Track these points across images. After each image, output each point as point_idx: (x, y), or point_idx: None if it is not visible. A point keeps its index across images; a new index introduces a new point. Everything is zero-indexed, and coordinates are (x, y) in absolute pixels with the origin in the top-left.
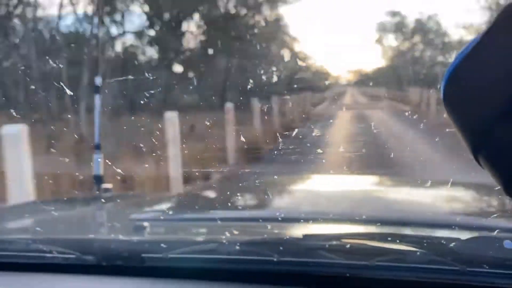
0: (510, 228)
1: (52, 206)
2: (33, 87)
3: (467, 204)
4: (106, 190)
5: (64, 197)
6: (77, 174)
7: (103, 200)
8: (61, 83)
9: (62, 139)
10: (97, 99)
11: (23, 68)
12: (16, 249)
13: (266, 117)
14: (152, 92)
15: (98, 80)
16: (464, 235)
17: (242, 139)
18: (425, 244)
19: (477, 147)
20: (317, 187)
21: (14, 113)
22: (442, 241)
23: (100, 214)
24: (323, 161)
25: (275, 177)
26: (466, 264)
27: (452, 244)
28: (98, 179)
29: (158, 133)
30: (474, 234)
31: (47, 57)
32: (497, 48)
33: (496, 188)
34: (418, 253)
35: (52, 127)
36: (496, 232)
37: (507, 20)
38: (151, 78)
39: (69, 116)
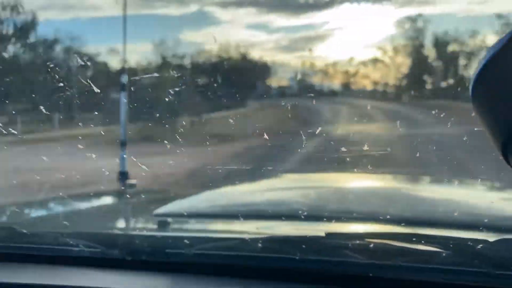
0: None
1: (79, 201)
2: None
3: (495, 204)
4: (131, 185)
5: (90, 192)
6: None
7: (128, 195)
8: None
9: None
10: (123, 97)
11: None
12: (44, 242)
13: None
14: None
15: (124, 78)
16: (492, 237)
17: None
18: (451, 246)
19: (506, 147)
20: (340, 185)
21: None
22: (469, 243)
23: (125, 209)
24: None
25: (298, 174)
26: (494, 266)
27: (479, 246)
28: (124, 175)
29: None
30: (503, 236)
31: None
32: None
33: None
34: (443, 254)
35: None
36: None
37: None
38: None
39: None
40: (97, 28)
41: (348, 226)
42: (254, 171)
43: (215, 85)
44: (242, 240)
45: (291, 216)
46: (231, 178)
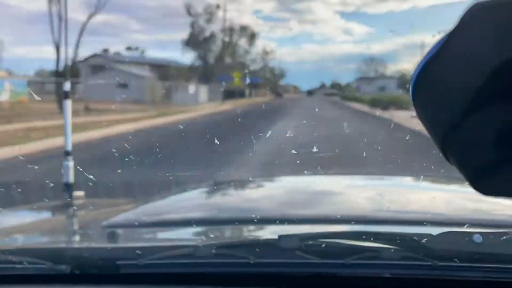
0: (479, 222)
1: (21, 214)
2: None
3: (438, 199)
4: (78, 197)
5: (33, 205)
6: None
7: (75, 207)
8: None
9: None
10: (67, 105)
11: None
12: None
13: None
14: None
15: (67, 86)
16: (435, 231)
17: None
18: (398, 241)
19: (445, 143)
20: (291, 188)
21: None
22: (415, 238)
23: (72, 222)
24: None
25: (250, 179)
26: (438, 259)
27: (424, 240)
28: (69, 186)
29: None
30: (445, 229)
31: None
32: (463, 46)
33: (464, 183)
34: (392, 250)
35: None
36: (465, 227)
37: (471, 19)
38: None
39: None
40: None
41: (301, 228)
42: (205, 177)
43: None
44: (195, 247)
45: (244, 220)
46: (181, 185)
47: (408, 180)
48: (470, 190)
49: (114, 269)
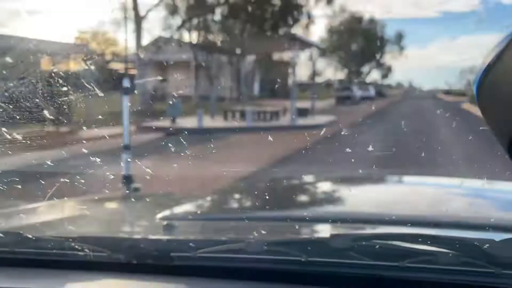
0: None
1: (84, 205)
2: None
3: (501, 204)
4: (136, 189)
5: (95, 196)
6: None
7: (133, 199)
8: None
9: None
10: (126, 100)
11: None
12: (50, 247)
13: None
14: None
15: (126, 82)
16: (498, 237)
17: None
18: (457, 246)
19: None
20: (345, 187)
21: None
22: (475, 243)
23: (130, 213)
24: None
25: (303, 176)
26: (501, 266)
27: (485, 246)
28: (128, 179)
29: None
30: (509, 235)
31: None
32: None
33: None
34: (450, 254)
35: None
36: None
37: None
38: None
39: None
40: None
41: (353, 228)
42: (259, 174)
43: None
44: (247, 242)
45: (296, 218)
46: (235, 181)
47: (470, 182)
48: None
49: (168, 260)
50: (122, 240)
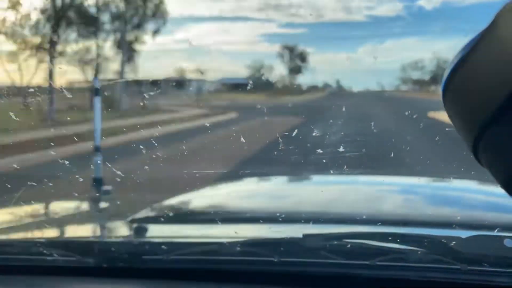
0: (510, 226)
1: (52, 208)
2: None
3: (468, 202)
4: (106, 192)
5: (64, 199)
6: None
7: (103, 201)
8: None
9: None
10: (97, 101)
11: None
12: (16, 252)
13: None
14: None
15: (96, 82)
16: (465, 234)
17: None
18: (425, 244)
19: (477, 145)
20: (317, 187)
21: None
22: (443, 240)
23: (101, 216)
24: None
25: (275, 177)
26: (467, 262)
27: (452, 243)
28: (98, 181)
29: None
30: (475, 232)
31: None
32: (494, 47)
33: (496, 186)
34: (418, 252)
35: None
36: (496, 230)
37: (506, 16)
38: None
39: None
40: None
41: (325, 227)
42: (231, 175)
43: None
44: (220, 244)
45: (269, 219)
46: (207, 182)
47: (437, 181)
48: (502, 193)
49: (140, 263)
50: (92, 244)
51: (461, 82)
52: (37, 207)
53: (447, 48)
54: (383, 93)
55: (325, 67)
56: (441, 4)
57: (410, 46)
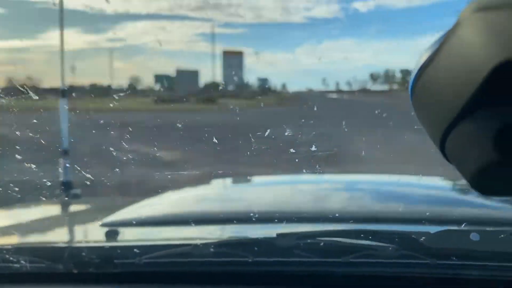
0: (476, 220)
1: (18, 213)
2: None
3: (436, 198)
4: (75, 195)
5: (31, 203)
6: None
7: (72, 205)
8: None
9: None
10: (63, 104)
11: None
12: None
13: None
14: None
15: (63, 84)
16: (433, 229)
17: None
18: (396, 240)
19: (444, 143)
20: (289, 186)
21: None
22: (413, 236)
23: (70, 220)
24: None
25: (248, 177)
26: (436, 257)
27: (422, 239)
28: (67, 185)
29: None
30: (443, 227)
31: None
32: (459, 47)
33: (463, 182)
34: (390, 248)
35: None
36: (463, 225)
37: (470, 17)
38: None
39: None
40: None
41: (299, 226)
42: (203, 176)
43: None
44: (193, 246)
45: (242, 219)
46: (180, 183)
47: (406, 178)
48: (468, 189)
49: (111, 267)
50: (61, 249)
51: (428, 81)
52: (2, 212)
53: (382, 49)
54: (324, 93)
55: (262, 67)
56: (375, 7)
57: (346, 48)
